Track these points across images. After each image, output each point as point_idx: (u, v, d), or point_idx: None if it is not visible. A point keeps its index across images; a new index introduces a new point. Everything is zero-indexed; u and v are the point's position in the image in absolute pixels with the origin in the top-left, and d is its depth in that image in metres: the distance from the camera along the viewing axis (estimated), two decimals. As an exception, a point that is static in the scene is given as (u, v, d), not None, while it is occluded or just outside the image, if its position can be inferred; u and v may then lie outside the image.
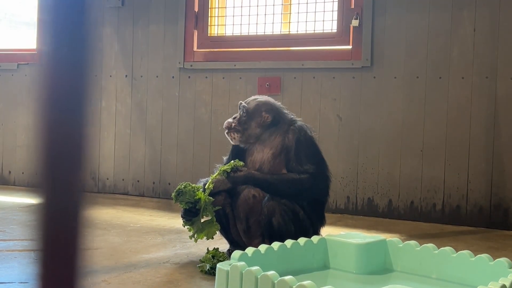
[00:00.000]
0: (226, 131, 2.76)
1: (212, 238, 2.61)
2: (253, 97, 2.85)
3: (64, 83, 0.67)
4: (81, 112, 0.69)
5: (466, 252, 2.07)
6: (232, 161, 2.66)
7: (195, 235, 2.60)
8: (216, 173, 2.65)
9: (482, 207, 3.82)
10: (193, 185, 2.58)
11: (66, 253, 0.69)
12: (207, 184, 2.62)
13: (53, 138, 0.68)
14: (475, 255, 2.05)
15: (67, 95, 0.68)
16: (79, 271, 0.70)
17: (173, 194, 2.57)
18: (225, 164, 2.71)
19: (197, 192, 2.55)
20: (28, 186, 5.12)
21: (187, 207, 2.56)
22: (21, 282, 2.24)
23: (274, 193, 2.57)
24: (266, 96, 2.88)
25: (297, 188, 2.58)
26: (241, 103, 2.79)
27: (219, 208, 2.64)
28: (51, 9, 0.69)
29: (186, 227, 2.63)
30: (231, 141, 2.78)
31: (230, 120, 2.77)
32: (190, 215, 2.58)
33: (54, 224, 0.68)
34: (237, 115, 2.78)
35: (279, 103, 2.85)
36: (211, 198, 2.58)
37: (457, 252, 2.10)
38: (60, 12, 0.68)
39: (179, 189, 2.55)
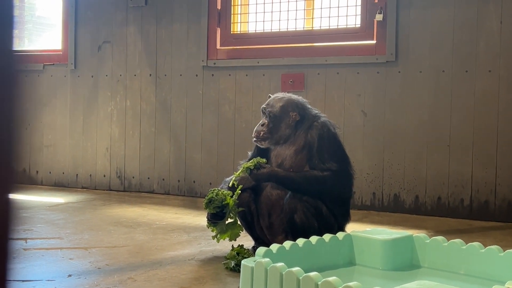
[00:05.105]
0: (254, 139, 2.72)
1: (235, 239, 2.62)
2: (273, 97, 2.78)
3: None
4: (9, 107, 0.68)
5: (494, 247, 2.03)
6: (255, 158, 2.65)
7: (218, 236, 2.61)
8: (240, 171, 2.65)
9: (511, 202, 3.76)
10: (223, 191, 2.59)
11: None
12: (232, 182, 2.63)
13: None
14: (504, 250, 2.01)
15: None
16: (8, 266, 0.68)
17: (204, 202, 2.59)
18: (248, 160, 2.71)
19: (227, 197, 2.56)
20: (55, 186, 5.18)
21: (215, 212, 2.57)
22: (48, 280, 2.26)
23: (297, 191, 2.56)
24: (285, 94, 2.82)
25: (320, 186, 2.56)
26: (264, 108, 2.74)
27: (243, 210, 2.64)
28: None
29: (209, 228, 2.65)
30: (260, 146, 2.74)
31: (258, 128, 2.72)
32: (217, 218, 2.59)
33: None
34: (263, 121, 2.73)
35: (301, 98, 2.81)
36: (236, 200, 2.59)
37: (485, 247, 2.06)
38: None
39: (211, 197, 2.56)
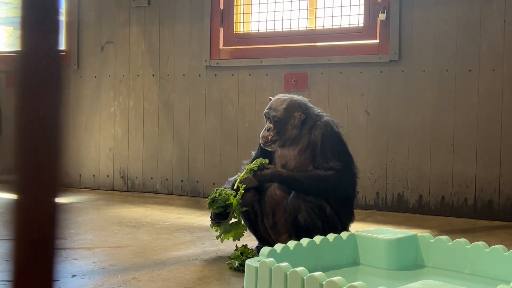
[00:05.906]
0: (263, 145, 2.68)
1: (239, 239, 2.62)
2: (274, 100, 2.74)
3: (38, 79, 0.67)
4: (57, 109, 0.69)
5: (499, 246, 2.02)
6: (258, 159, 2.65)
7: (222, 235, 2.62)
8: (243, 172, 2.64)
9: (515, 202, 3.75)
10: (226, 190, 2.59)
11: (42, 249, 0.68)
12: (237, 184, 2.62)
13: (29, 135, 0.68)
14: (509, 250, 2.00)
15: (41, 92, 0.68)
16: (55, 266, 0.69)
17: (207, 201, 2.59)
18: (252, 161, 2.70)
19: (230, 197, 2.56)
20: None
21: (218, 211, 2.57)
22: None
23: (300, 191, 2.55)
24: (286, 95, 2.78)
25: (323, 185, 2.56)
26: (267, 112, 2.70)
27: (246, 209, 2.64)
28: (28, 8, 0.68)
29: (213, 228, 2.65)
30: (270, 150, 2.71)
31: (265, 133, 2.68)
32: (220, 218, 2.60)
33: (29, 219, 0.68)
34: (268, 125, 2.69)
35: (303, 97, 2.79)
36: (240, 200, 2.59)
37: (490, 246, 2.05)
38: (34, 10, 0.68)
39: (214, 197, 2.56)
